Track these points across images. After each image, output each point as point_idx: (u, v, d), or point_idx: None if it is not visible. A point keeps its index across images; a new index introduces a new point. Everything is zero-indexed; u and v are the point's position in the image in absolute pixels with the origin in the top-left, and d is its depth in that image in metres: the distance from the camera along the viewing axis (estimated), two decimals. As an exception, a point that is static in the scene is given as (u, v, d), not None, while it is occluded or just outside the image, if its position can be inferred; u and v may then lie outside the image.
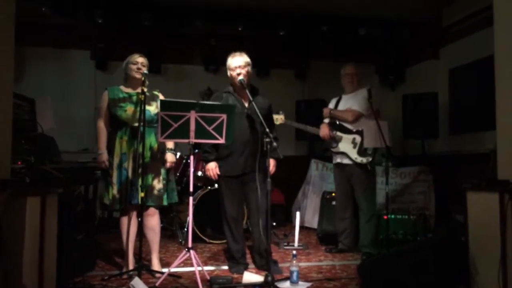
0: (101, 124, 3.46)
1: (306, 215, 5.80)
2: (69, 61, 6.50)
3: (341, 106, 4.34)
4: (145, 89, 3.32)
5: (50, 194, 2.30)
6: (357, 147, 4.14)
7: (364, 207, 4.13)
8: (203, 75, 6.83)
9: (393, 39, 6.50)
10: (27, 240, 2.06)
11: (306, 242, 4.82)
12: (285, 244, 4.64)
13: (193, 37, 6.56)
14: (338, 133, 4.26)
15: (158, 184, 3.39)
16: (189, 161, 5.18)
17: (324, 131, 4.27)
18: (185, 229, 4.81)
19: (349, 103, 4.27)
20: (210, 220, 4.76)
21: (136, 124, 3.29)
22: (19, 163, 2.66)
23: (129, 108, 3.36)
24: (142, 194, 3.20)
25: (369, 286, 3.02)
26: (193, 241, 3.44)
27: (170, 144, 3.50)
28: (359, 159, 4.11)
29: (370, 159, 4.07)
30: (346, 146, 4.20)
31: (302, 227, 5.36)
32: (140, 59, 3.45)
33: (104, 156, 3.36)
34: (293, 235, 4.70)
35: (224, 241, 4.57)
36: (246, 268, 3.60)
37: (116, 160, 3.35)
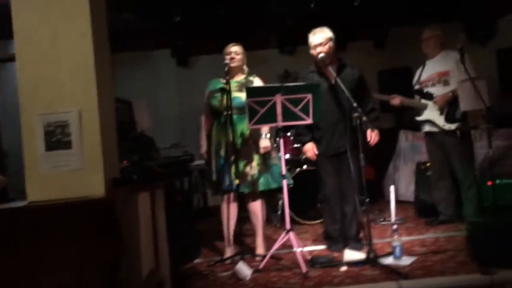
0: (203, 118, 3.72)
1: (399, 188, 5.60)
2: (152, 61, 6.82)
3: (426, 74, 4.14)
4: (241, 77, 3.59)
5: (157, 189, 2.45)
6: (444, 113, 3.92)
7: (462, 176, 3.93)
8: (279, 58, 6.83)
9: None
10: (142, 232, 2.22)
11: (403, 216, 4.68)
12: (381, 219, 4.54)
13: (266, 20, 6.53)
14: (423, 101, 4.06)
15: (251, 171, 3.47)
16: (275, 145, 5.25)
17: (395, 101, 4.13)
18: (279, 212, 4.88)
19: (435, 68, 4.06)
20: (301, 201, 4.78)
21: (229, 112, 3.41)
22: (125, 161, 2.88)
23: (222, 98, 3.47)
24: (237, 181, 3.30)
25: (481, 257, 2.85)
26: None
27: (264, 129, 3.52)
28: (447, 126, 3.91)
29: (460, 124, 3.84)
30: (432, 113, 4.00)
31: (396, 201, 5.16)
32: (234, 48, 3.57)
33: (202, 148, 3.62)
34: (388, 210, 4.58)
35: (318, 221, 4.60)
36: (345, 246, 3.58)
37: (213, 148, 3.51)
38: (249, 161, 3.48)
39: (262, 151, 3.52)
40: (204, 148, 3.63)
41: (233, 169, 3.33)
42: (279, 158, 3.57)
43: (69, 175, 2.20)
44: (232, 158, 3.34)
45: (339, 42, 6.51)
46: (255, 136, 3.55)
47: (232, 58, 3.51)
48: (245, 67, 3.63)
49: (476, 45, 6.42)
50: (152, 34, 6.58)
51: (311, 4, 5.98)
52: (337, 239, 3.62)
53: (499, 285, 2.59)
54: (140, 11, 5.86)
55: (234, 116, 3.39)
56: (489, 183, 3.71)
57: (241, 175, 3.42)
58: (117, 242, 1.89)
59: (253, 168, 3.48)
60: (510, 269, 2.66)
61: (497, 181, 4.08)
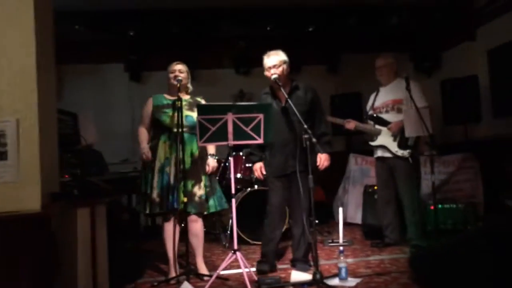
0: (142, 129, 3.56)
1: (348, 210, 5.71)
2: (105, 75, 6.68)
3: (380, 100, 4.27)
4: (187, 96, 3.53)
5: (98, 205, 2.35)
6: (397, 140, 4.05)
7: (407, 200, 4.04)
8: (235, 78, 6.86)
9: (426, 24, 6.31)
10: (79, 250, 2.12)
11: (351, 238, 4.74)
12: (330, 241, 4.58)
13: (222, 40, 6.59)
14: (378, 126, 4.18)
15: (199, 191, 3.41)
16: (227, 164, 5.22)
17: (350, 125, 4.24)
18: (228, 232, 4.83)
19: (389, 95, 4.20)
20: (252, 221, 4.76)
21: (180, 130, 3.35)
22: (66, 176, 2.75)
23: (173, 114, 3.40)
24: (185, 199, 3.23)
25: (423, 279, 2.93)
26: (237, 243, 3.45)
27: (211, 149, 3.51)
28: (400, 152, 4.02)
29: (411, 151, 3.98)
30: (386, 139, 4.11)
31: (345, 223, 5.28)
32: (178, 67, 3.52)
33: (146, 148, 3.42)
34: (337, 231, 4.64)
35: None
36: (271, 268, 3.55)
37: (158, 164, 3.39)
38: (197, 181, 3.41)
39: (209, 169, 3.47)
40: (146, 149, 3.41)
41: (181, 188, 3.26)
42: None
43: (3, 187, 2.09)
44: (180, 176, 3.26)
45: (294, 65, 6.74)
46: (204, 156, 3.50)
47: (176, 76, 3.47)
48: (189, 86, 3.62)
49: (422, 75, 6.75)
50: (105, 48, 6.48)
51: (267, 27, 6.08)
52: (267, 258, 3.57)
53: (438, 306, 2.65)
54: (94, 24, 5.75)
55: (185, 135, 3.35)
56: (432, 207, 3.83)
57: (189, 194, 3.34)
58: (51, 258, 1.79)
59: (201, 189, 3.42)
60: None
61: (439, 206, 4.24)
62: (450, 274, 2.74)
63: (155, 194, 3.34)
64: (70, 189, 2.40)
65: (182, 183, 3.25)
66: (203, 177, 3.44)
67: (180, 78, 3.45)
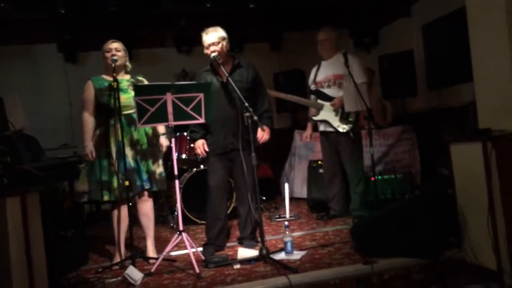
0: (87, 116, 3.38)
1: (294, 186, 5.82)
2: (37, 56, 6.30)
3: (321, 73, 4.29)
4: (127, 76, 3.46)
5: (30, 193, 2.23)
6: (339, 115, 4.12)
7: (352, 173, 4.15)
8: (177, 57, 6.71)
9: (364, 0, 6.42)
10: (11, 240, 2.01)
11: (297, 212, 4.84)
12: (277, 216, 4.66)
13: (162, 19, 6.38)
14: (320, 101, 4.23)
15: (158, 168, 3.42)
16: (171, 144, 5.13)
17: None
18: (176, 213, 4.78)
19: (330, 70, 4.22)
20: (199, 201, 4.72)
21: (129, 111, 3.29)
22: (-5, 165, 2.58)
23: (121, 96, 3.23)
24: (127, 183, 3.14)
25: (362, 248, 3.05)
26: (185, 223, 3.43)
27: (161, 129, 3.47)
28: (341, 127, 4.10)
29: (352, 126, 4.07)
30: (328, 114, 4.17)
31: (292, 198, 5.39)
32: (114, 45, 3.38)
33: (89, 148, 3.28)
34: (284, 207, 4.72)
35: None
36: (218, 249, 3.54)
37: (114, 149, 3.27)
38: (155, 159, 3.41)
39: (163, 150, 3.46)
40: (89, 148, 3.30)
41: (144, 168, 3.31)
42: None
43: None
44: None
45: (236, 44, 6.69)
46: (156, 134, 3.48)
47: (113, 55, 3.32)
48: (128, 64, 3.49)
49: (362, 51, 6.90)
50: (36, 27, 6.08)
51: (206, 4, 5.95)
52: (212, 241, 3.54)
53: (378, 273, 2.77)
54: (21, 1, 5.37)
55: (134, 115, 3.19)
56: (373, 178, 3.95)
57: (151, 174, 3.36)
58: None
59: (160, 166, 3.43)
60: (389, 258, 2.86)
61: (378, 177, 4.41)
62: (388, 241, 2.88)
63: (121, 180, 3.22)
64: (-1, 178, 2.26)
65: (143, 163, 3.31)
66: (159, 155, 3.45)
67: (115, 58, 3.31)
